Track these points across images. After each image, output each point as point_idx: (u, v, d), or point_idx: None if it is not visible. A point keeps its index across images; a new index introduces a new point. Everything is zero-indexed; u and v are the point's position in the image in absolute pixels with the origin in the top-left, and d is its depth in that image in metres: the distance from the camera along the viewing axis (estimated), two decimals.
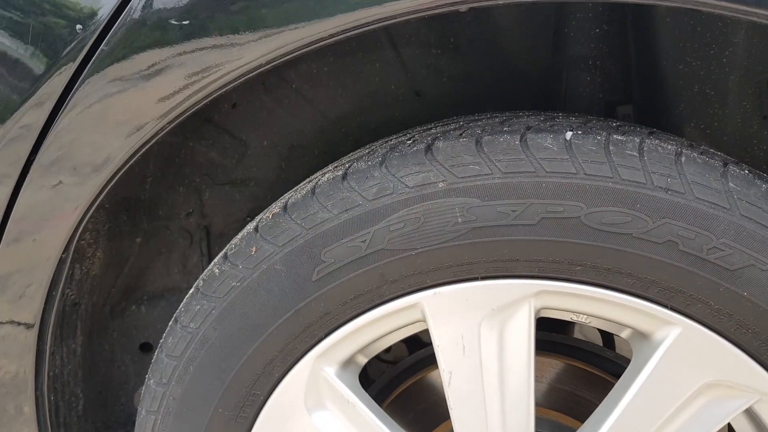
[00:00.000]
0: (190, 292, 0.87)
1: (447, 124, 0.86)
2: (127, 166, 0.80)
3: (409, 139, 0.82)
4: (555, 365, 0.98)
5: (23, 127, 0.79)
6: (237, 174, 1.17)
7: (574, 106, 1.09)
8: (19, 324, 0.92)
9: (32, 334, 0.91)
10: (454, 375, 0.79)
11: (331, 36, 0.73)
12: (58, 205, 0.83)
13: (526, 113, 0.86)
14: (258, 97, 1.12)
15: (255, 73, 0.75)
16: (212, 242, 1.20)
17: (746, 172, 0.74)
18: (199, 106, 0.77)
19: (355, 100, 1.14)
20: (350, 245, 0.77)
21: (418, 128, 0.90)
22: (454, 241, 0.74)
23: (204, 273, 0.86)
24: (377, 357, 0.97)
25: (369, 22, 0.73)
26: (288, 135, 1.16)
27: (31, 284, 0.87)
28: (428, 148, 0.77)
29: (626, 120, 1.09)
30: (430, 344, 1.08)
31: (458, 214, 0.74)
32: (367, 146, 0.90)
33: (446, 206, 0.74)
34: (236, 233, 1.15)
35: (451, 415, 0.81)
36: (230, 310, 0.82)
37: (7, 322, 0.92)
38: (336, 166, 0.85)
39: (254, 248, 0.81)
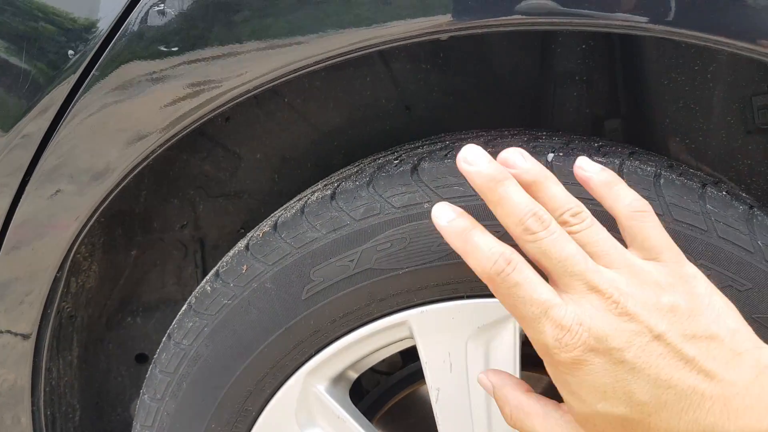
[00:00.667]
0: (183, 308, 0.88)
1: (434, 143, 0.87)
2: (128, 179, 0.82)
3: (396, 159, 0.84)
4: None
5: (24, 136, 0.80)
6: (231, 186, 1.19)
7: (562, 120, 1.10)
8: (16, 334, 0.94)
9: (29, 345, 0.93)
10: (442, 392, 0.81)
11: (317, 63, 0.74)
12: (58, 215, 0.85)
13: (511, 132, 0.88)
14: (251, 110, 1.13)
15: (259, 90, 0.76)
16: (206, 254, 1.22)
17: (724, 193, 0.75)
18: (200, 122, 0.78)
19: (347, 114, 1.15)
20: (339, 264, 0.79)
21: (406, 146, 0.92)
22: (439, 260, 0.76)
23: (196, 290, 0.88)
24: (371, 368, 0.99)
25: (356, 49, 0.74)
26: (280, 148, 1.17)
27: (29, 294, 0.89)
28: (414, 169, 0.79)
29: (614, 134, 1.10)
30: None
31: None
32: (356, 164, 0.91)
33: (432, 227, 0.75)
34: (230, 245, 1.17)
35: (438, 430, 0.83)
36: (222, 328, 0.83)
37: (4, 332, 0.93)
38: (325, 185, 0.86)
39: (245, 266, 0.83)
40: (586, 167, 0.66)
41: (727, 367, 0.56)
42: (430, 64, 1.12)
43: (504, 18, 0.71)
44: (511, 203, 0.61)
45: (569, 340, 0.57)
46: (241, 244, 0.87)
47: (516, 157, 0.64)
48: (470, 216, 0.64)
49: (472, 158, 0.63)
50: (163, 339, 0.89)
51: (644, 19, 0.69)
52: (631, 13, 0.69)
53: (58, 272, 0.87)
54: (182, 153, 1.14)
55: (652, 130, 1.08)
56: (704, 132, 1.04)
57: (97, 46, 0.73)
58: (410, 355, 1.18)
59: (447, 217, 0.64)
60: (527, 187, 0.63)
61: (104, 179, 0.83)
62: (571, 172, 0.74)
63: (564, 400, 0.61)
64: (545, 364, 0.61)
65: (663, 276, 0.59)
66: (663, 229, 0.63)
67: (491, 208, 0.63)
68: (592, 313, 0.57)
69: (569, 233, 0.61)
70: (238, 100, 0.79)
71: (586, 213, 0.62)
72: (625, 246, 0.63)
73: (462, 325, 0.78)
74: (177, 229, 1.19)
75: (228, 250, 0.94)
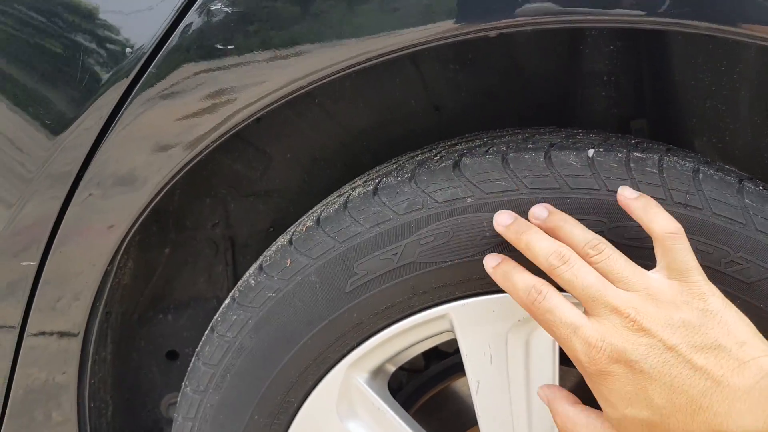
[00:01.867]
0: (226, 302, 0.90)
1: (471, 140, 0.89)
2: (174, 181, 0.84)
3: (435, 155, 0.86)
4: (578, 375, 1.01)
5: (74, 141, 0.82)
6: (261, 186, 1.21)
7: (589, 120, 1.12)
8: (52, 333, 0.95)
9: (76, 343, 0.95)
10: (482, 383, 0.83)
11: (358, 63, 0.77)
12: (108, 217, 0.87)
13: (548, 130, 0.89)
14: (281, 111, 1.15)
15: (301, 91, 0.79)
16: (237, 252, 1.23)
17: (761, 188, 0.77)
18: (243, 124, 0.80)
19: (376, 115, 1.17)
20: (382, 258, 0.80)
21: (443, 143, 0.93)
22: (482, 254, 0.77)
23: (239, 284, 0.90)
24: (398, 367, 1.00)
25: (396, 49, 0.76)
26: (310, 148, 1.19)
27: (77, 294, 0.90)
28: (456, 165, 0.81)
29: (640, 134, 1.12)
30: (449, 354, 1.11)
31: (486, 229, 0.77)
32: (394, 161, 0.93)
33: (475, 221, 0.78)
34: (260, 244, 1.18)
35: (478, 421, 0.85)
36: (266, 320, 0.85)
37: (53, 332, 0.95)
38: (365, 181, 0.88)
39: (289, 260, 0.84)
40: (626, 193, 0.73)
41: (732, 374, 0.62)
42: (459, 65, 1.14)
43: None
44: (536, 248, 0.71)
45: (596, 355, 0.65)
46: (283, 239, 0.89)
47: (539, 210, 0.74)
48: (510, 260, 0.74)
49: (500, 220, 0.75)
50: (206, 332, 0.91)
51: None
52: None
53: (108, 266, 0.88)
54: (215, 152, 1.15)
55: (678, 130, 1.10)
56: (731, 131, 1.06)
57: (155, 44, 0.75)
58: (434, 356, 1.20)
59: (491, 264, 0.75)
60: (552, 233, 0.72)
61: (150, 182, 0.85)
62: (613, 167, 0.76)
63: (601, 407, 0.69)
64: (584, 378, 0.69)
65: (679, 295, 0.66)
66: (691, 251, 0.69)
67: (525, 254, 0.72)
68: (613, 330, 0.65)
69: (591, 264, 0.69)
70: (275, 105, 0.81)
71: (604, 244, 0.70)
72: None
73: (503, 317, 0.80)
74: (209, 228, 1.20)
75: (259, 249, 0.95)
